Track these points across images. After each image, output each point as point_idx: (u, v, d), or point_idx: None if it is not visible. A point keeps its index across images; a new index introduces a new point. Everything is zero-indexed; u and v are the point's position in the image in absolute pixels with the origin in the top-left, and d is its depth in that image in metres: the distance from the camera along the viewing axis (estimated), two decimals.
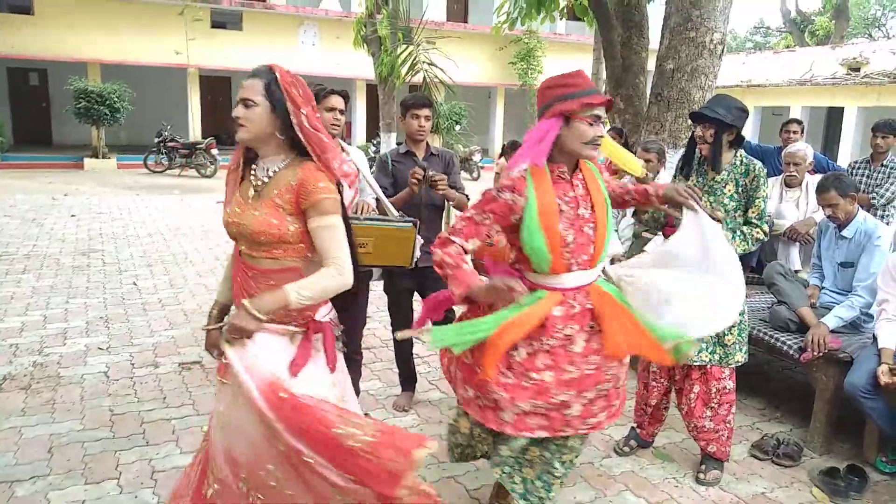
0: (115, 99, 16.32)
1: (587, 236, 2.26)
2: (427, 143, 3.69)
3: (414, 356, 3.99)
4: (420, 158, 3.61)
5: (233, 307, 2.22)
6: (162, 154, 16.78)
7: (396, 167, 3.63)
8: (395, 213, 3.39)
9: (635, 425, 3.48)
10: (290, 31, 20.48)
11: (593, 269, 2.32)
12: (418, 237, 3.31)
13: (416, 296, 3.80)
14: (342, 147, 3.35)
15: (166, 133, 16.79)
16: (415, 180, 3.40)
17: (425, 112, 3.55)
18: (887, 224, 5.11)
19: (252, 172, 2.12)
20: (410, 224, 3.23)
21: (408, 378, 3.96)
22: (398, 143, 3.67)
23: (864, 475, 3.14)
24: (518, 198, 2.21)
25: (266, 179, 2.07)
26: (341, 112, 3.26)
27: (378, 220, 3.21)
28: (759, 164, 3.16)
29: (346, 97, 3.31)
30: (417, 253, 3.34)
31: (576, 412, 2.30)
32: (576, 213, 2.25)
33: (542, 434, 2.31)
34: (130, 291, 6.12)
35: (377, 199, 3.42)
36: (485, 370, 2.22)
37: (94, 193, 12.80)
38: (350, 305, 3.41)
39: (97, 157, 17.31)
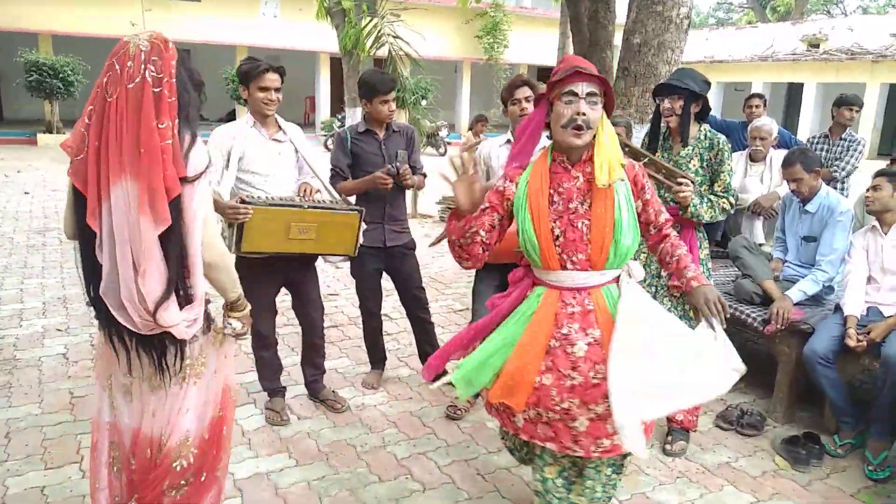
0: (69, 72, 15.74)
1: (580, 232, 2.08)
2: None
3: (384, 334, 3.97)
4: (381, 136, 3.53)
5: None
6: None
7: (357, 145, 3.53)
8: (336, 196, 3.30)
9: None
10: (251, 2, 19.88)
11: (596, 273, 2.12)
12: (362, 224, 3.24)
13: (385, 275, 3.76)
14: (278, 123, 3.23)
15: None
16: (385, 185, 3.36)
17: (393, 96, 3.47)
18: (846, 196, 5.22)
19: None
20: (356, 212, 3.15)
21: (376, 356, 3.93)
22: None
23: (821, 443, 3.22)
24: (509, 184, 2.17)
25: None
26: (277, 90, 3.10)
27: (322, 206, 3.09)
28: (723, 137, 3.19)
29: (282, 73, 3.13)
30: (361, 239, 3.28)
31: (582, 427, 2.09)
32: (566, 205, 2.10)
33: (552, 447, 2.15)
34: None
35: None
36: (517, 406, 2.13)
37: (48, 170, 12.38)
38: (298, 290, 3.41)
39: (51, 132, 16.74)
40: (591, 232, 2.07)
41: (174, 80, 1.80)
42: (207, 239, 1.89)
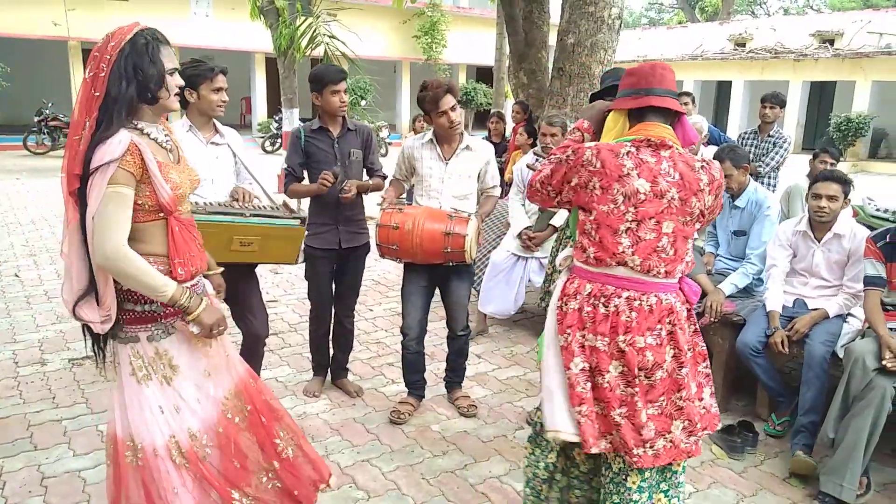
0: None
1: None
2: (344, 118, 3.50)
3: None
4: (336, 135, 3.45)
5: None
6: (44, 134, 15.55)
7: (310, 143, 3.44)
8: (274, 202, 3.19)
9: None
10: (181, 2, 19.35)
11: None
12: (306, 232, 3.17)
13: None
14: (216, 127, 3.16)
15: (47, 111, 15.53)
16: (326, 183, 3.28)
17: (344, 86, 3.38)
18: (773, 190, 5.42)
19: (154, 141, 2.00)
20: (299, 222, 3.05)
21: (320, 363, 3.85)
22: (302, 119, 3.49)
23: (755, 431, 3.33)
24: None
25: (168, 141, 2.08)
26: (225, 90, 3.06)
27: (265, 217, 2.97)
28: None
29: (225, 72, 3.09)
30: (302, 247, 3.19)
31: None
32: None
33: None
34: (12, 283, 5.66)
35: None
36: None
37: None
38: (237, 297, 3.29)
39: None
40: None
41: (107, 74, 1.85)
42: (95, 239, 1.87)
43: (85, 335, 2.07)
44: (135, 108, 1.93)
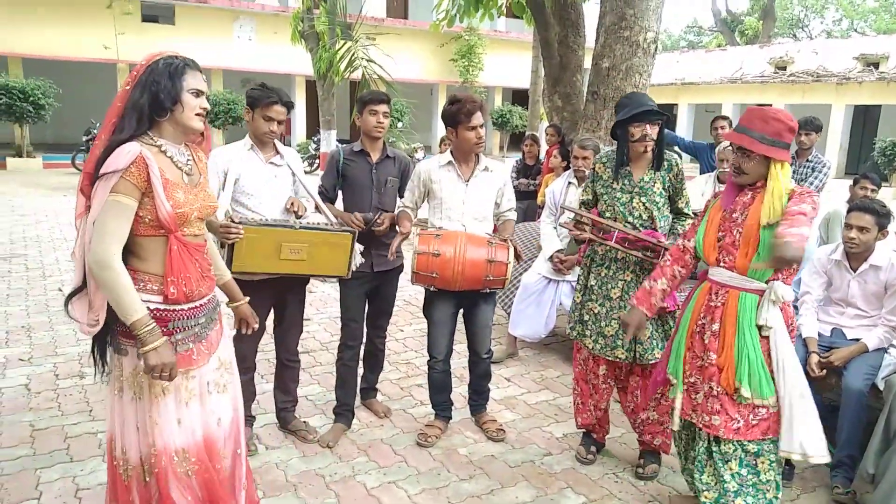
0: (40, 95, 15.52)
1: (733, 238, 2.53)
2: (384, 144, 3.52)
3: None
4: (374, 160, 3.45)
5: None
6: None
7: (348, 166, 3.46)
8: (333, 219, 3.27)
9: (587, 430, 3.44)
10: (225, 26, 19.94)
11: (738, 276, 2.52)
12: (357, 245, 3.21)
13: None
14: (276, 148, 3.26)
15: (95, 131, 16.05)
16: (358, 225, 3.29)
17: (384, 108, 3.40)
18: None
19: (169, 159, 2.06)
20: (349, 232, 3.12)
21: (344, 403, 3.64)
22: (339, 141, 3.55)
23: (791, 464, 3.23)
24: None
25: (189, 163, 2.14)
26: (280, 122, 3.15)
27: (313, 227, 3.08)
28: (675, 157, 3.24)
29: (290, 107, 3.21)
30: (358, 260, 3.25)
31: (699, 399, 2.61)
32: (731, 215, 2.56)
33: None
34: (55, 298, 5.83)
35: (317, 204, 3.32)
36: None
37: (16, 195, 12.18)
38: (284, 312, 3.37)
39: (21, 156, 16.48)
40: (742, 239, 2.49)
41: (132, 87, 1.99)
42: (91, 243, 1.95)
43: (94, 342, 2.14)
44: (153, 121, 2.02)
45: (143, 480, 2.08)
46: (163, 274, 2.04)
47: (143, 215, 1.98)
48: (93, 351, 2.14)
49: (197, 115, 2.07)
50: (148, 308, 1.99)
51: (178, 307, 2.06)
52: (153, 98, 1.98)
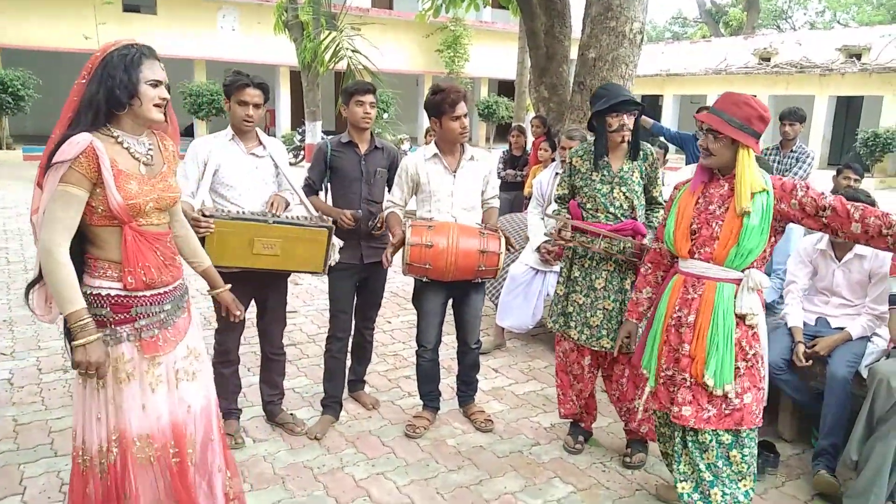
0: (19, 86, 15.31)
1: (712, 230, 2.48)
2: (372, 135, 3.49)
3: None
4: (363, 151, 3.42)
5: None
6: None
7: (337, 158, 3.42)
8: (314, 212, 3.23)
9: (574, 419, 3.45)
10: (208, 16, 19.73)
11: (716, 266, 2.49)
12: (336, 241, 3.17)
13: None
14: (258, 138, 3.22)
15: None
16: (345, 222, 3.27)
17: (370, 98, 3.37)
18: None
19: (126, 150, 2.02)
20: (325, 227, 3.07)
21: (332, 396, 3.61)
22: (325, 132, 3.52)
23: (776, 451, 3.27)
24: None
25: (150, 152, 2.10)
26: (256, 106, 3.09)
27: (288, 222, 3.01)
28: (649, 146, 3.26)
29: (265, 90, 3.14)
30: (336, 256, 3.21)
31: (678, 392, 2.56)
32: (706, 207, 2.52)
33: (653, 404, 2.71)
34: None
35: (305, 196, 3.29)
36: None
37: None
38: (265, 305, 3.34)
39: (0, 148, 16.26)
40: (722, 231, 2.45)
41: (88, 81, 1.96)
42: (39, 232, 1.95)
43: (65, 333, 2.09)
44: (109, 114, 1.98)
45: (98, 473, 2.06)
46: (121, 261, 2.02)
47: (95, 206, 1.95)
48: (65, 341, 2.09)
49: (156, 105, 2.01)
50: (109, 294, 1.99)
51: (139, 294, 2.04)
52: (109, 93, 1.93)
